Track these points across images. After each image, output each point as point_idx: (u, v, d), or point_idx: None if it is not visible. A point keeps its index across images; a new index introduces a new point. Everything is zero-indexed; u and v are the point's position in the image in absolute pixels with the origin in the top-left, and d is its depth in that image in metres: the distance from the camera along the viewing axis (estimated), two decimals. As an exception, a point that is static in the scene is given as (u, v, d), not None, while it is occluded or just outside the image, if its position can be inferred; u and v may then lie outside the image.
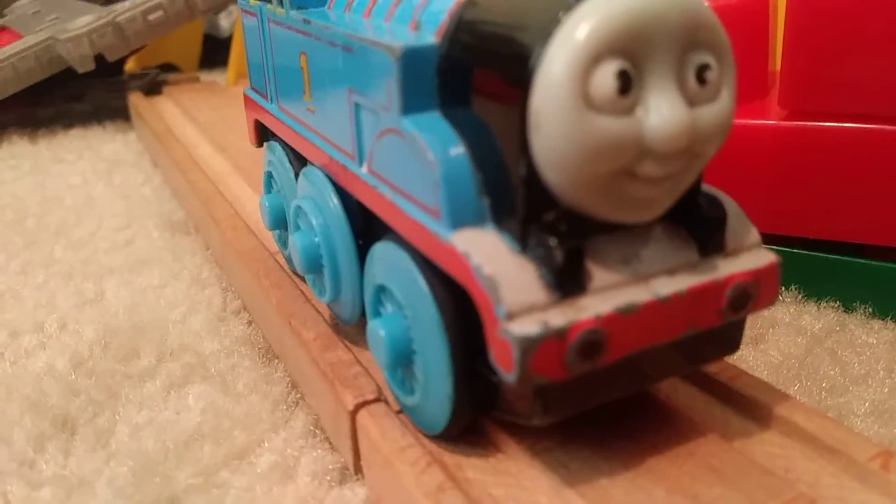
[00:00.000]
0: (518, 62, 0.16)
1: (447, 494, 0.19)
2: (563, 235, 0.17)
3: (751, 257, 0.19)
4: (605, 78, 0.16)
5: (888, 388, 0.24)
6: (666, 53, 0.16)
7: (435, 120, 0.19)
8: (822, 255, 0.30)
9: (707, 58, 0.16)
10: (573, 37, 0.16)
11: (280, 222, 0.29)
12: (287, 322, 0.27)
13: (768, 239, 0.30)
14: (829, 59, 0.28)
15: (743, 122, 0.30)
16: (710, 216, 0.18)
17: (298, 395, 0.26)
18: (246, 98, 0.32)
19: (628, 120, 0.16)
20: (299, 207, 0.25)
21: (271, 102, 0.29)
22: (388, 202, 0.20)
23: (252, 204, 0.37)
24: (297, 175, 0.27)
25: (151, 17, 0.54)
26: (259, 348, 0.30)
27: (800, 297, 0.30)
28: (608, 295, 0.17)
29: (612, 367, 0.17)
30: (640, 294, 0.17)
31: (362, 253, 0.23)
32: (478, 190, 0.18)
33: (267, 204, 0.29)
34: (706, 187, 0.19)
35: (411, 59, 0.19)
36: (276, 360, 0.29)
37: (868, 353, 0.26)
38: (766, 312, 0.29)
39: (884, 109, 0.27)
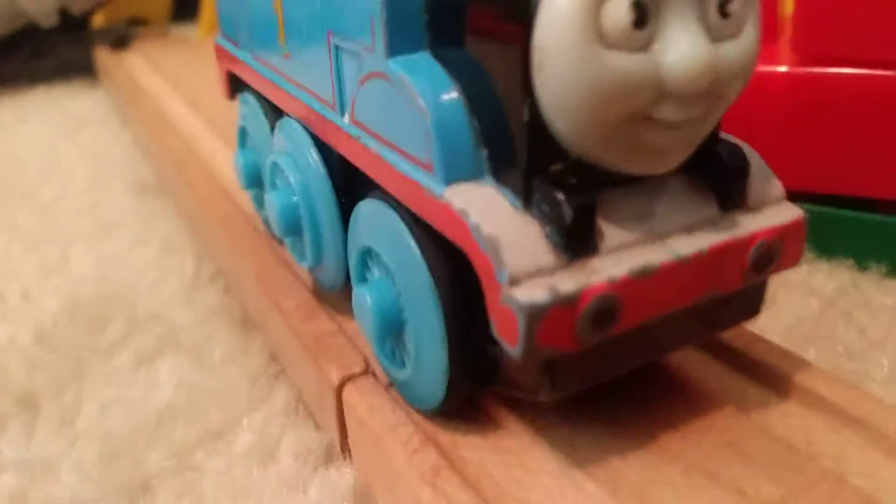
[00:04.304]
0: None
1: (443, 476, 0.17)
2: (571, 189, 0.15)
3: (775, 212, 0.17)
4: (619, 9, 0.13)
5: (908, 351, 0.23)
6: (689, -20, 0.14)
7: (425, 61, 0.17)
8: (834, 210, 0.28)
9: (733, -13, 0.14)
10: (585, -41, 0.13)
11: (256, 181, 0.27)
12: (265, 291, 0.25)
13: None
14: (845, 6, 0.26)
15: (752, 69, 0.28)
16: (731, 167, 0.17)
17: (279, 368, 0.25)
18: (217, 47, 0.30)
19: (644, 56, 0.14)
20: (275, 164, 0.23)
21: (243, 50, 0.27)
22: (374, 155, 0.18)
23: (227, 163, 0.34)
24: (273, 128, 0.25)
25: (116, -34, 0.51)
26: (235, 317, 0.28)
27: (811, 255, 0.28)
28: (622, 256, 0.15)
29: (625, 335, 0.15)
30: (657, 254, 0.15)
31: (346, 212, 0.21)
32: (475, 139, 0.16)
33: (241, 161, 0.27)
34: (725, 135, 0.18)
35: (397, -7, 0.17)
36: (255, 330, 0.27)
37: (884, 315, 0.25)
38: (774, 272, 0.28)
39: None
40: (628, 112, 0.14)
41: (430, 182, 0.16)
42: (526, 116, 0.15)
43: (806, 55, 0.27)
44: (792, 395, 0.19)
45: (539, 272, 0.15)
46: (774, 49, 0.29)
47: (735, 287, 0.17)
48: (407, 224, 0.18)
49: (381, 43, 0.17)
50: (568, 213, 0.15)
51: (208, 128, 0.38)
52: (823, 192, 0.28)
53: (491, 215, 0.15)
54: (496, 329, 0.15)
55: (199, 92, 0.44)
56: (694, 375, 0.20)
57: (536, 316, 0.14)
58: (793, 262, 0.17)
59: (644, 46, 0.14)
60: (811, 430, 0.18)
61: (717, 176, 0.17)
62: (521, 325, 0.14)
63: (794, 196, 0.28)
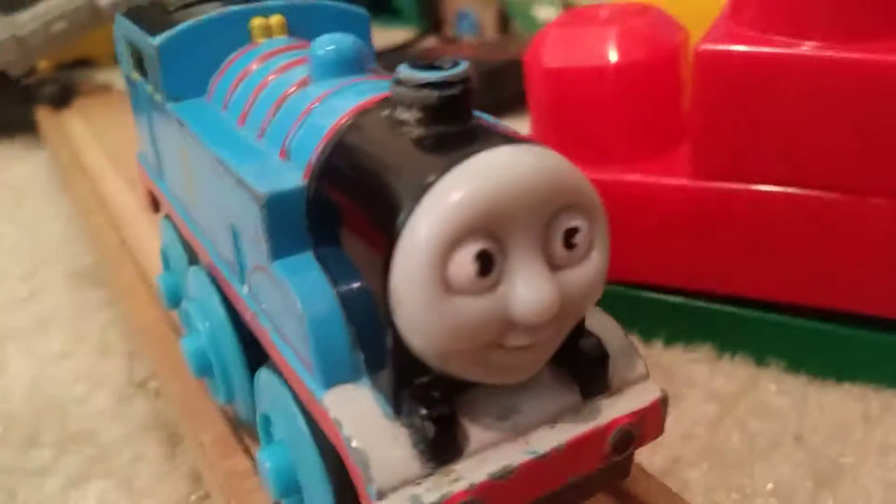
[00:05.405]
0: (377, 243, 0.15)
1: None
2: (434, 403, 0.16)
3: (635, 394, 0.18)
4: (464, 261, 0.15)
5: (792, 464, 0.25)
6: (530, 226, 0.15)
7: (306, 265, 0.18)
8: (737, 310, 0.30)
9: (576, 221, 0.16)
10: (432, 218, 0.15)
11: (179, 302, 0.28)
12: (186, 418, 0.26)
13: (683, 293, 0.30)
14: (737, 128, 0.27)
15: (654, 179, 0.29)
16: (592, 358, 0.18)
17: (203, 494, 0.26)
18: (138, 164, 0.30)
19: (491, 297, 0.15)
20: (186, 312, 0.24)
21: (160, 179, 0.28)
22: (269, 337, 0.19)
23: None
24: (190, 260, 0.26)
25: (54, 28, 0.51)
26: (166, 426, 0.29)
27: (713, 354, 0.30)
28: (484, 457, 0.17)
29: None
30: (516, 454, 0.17)
31: (257, 356, 0.22)
32: (352, 344, 0.17)
33: (163, 284, 0.28)
34: (595, 315, 0.19)
35: (278, 205, 0.18)
36: (183, 443, 0.28)
37: (777, 421, 0.26)
38: (681, 370, 0.29)
39: (798, 175, 0.27)
40: (479, 344, 0.15)
41: (311, 383, 0.17)
42: (389, 344, 0.16)
43: (702, 170, 0.28)
44: (666, 542, 0.20)
45: (405, 483, 0.16)
46: (675, 157, 0.30)
47: (596, 468, 0.18)
48: (298, 404, 0.19)
49: (265, 246, 0.18)
50: (430, 429, 0.16)
51: (143, 213, 0.39)
52: (723, 292, 0.30)
53: (362, 427, 0.16)
54: (369, 532, 0.16)
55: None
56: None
57: (402, 529, 0.15)
58: (653, 436, 0.19)
59: (490, 288, 0.15)
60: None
61: (578, 366, 0.18)
62: (387, 536, 0.16)
63: (699, 295, 0.30)
